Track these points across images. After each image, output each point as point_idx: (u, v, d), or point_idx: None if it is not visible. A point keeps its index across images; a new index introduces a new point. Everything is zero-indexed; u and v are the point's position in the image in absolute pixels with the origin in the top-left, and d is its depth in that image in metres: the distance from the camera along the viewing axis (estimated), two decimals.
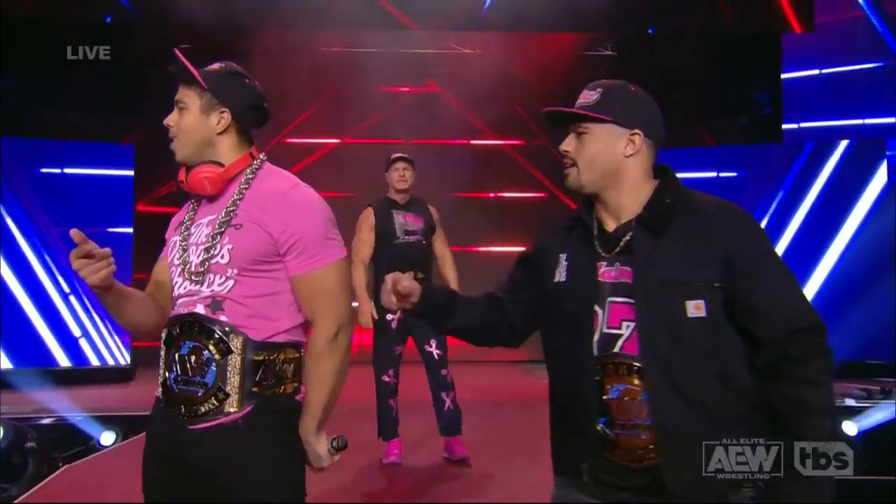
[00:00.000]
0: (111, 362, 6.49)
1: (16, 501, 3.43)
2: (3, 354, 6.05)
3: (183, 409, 1.50)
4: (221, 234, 1.54)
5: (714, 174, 7.05)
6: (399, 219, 3.77)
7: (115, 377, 6.24)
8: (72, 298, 6.32)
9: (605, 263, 1.44)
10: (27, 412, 4.61)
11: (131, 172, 6.68)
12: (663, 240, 1.39)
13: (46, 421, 4.48)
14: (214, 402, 1.49)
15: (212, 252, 1.53)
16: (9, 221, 6.18)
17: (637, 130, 1.44)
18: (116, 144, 6.96)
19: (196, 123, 1.59)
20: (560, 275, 1.48)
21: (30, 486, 3.73)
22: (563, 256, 1.49)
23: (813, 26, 6.52)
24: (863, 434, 4.25)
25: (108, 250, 1.44)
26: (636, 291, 1.39)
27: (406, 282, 1.50)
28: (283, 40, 7.03)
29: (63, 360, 6.30)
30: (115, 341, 6.51)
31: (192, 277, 1.54)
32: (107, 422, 4.47)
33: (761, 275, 1.35)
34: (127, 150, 6.85)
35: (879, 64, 6.63)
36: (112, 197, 6.53)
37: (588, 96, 1.47)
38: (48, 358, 6.20)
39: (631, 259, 1.40)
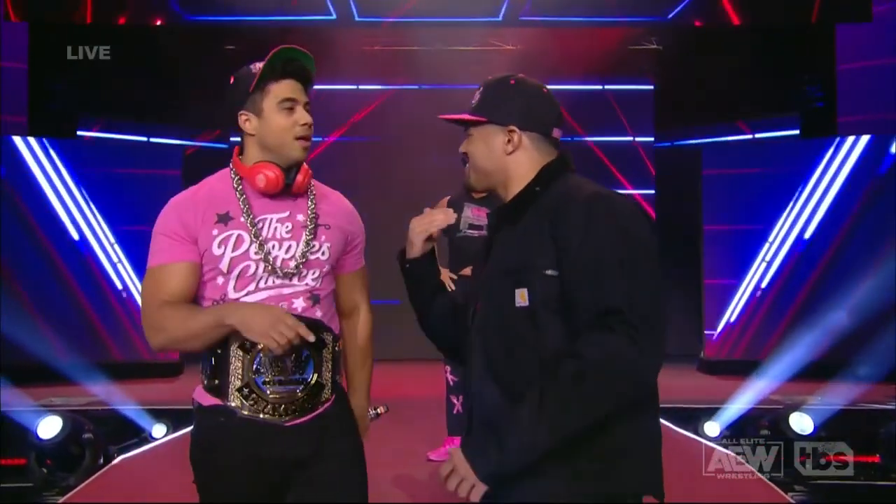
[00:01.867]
0: (161, 357, 6.63)
1: (68, 495, 3.54)
2: (61, 347, 6.25)
3: (282, 408, 1.53)
4: (316, 231, 1.61)
5: (762, 170, 6.83)
6: (467, 212, 3.57)
7: (164, 372, 6.39)
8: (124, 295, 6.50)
9: None
10: (82, 404, 4.75)
11: (178, 172, 6.82)
12: (516, 228, 1.37)
13: (101, 413, 4.61)
14: (313, 395, 1.56)
15: (311, 247, 1.59)
16: (64, 220, 6.38)
17: (512, 126, 1.40)
18: (165, 145, 7.11)
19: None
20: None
21: (86, 476, 3.84)
22: None
23: (871, 16, 6.25)
24: None
25: None
26: (480, 283, 1.42)
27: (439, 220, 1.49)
28: (324, 39, 7.08)
29: (116, 355, 6.47)
30: None
31: (286, 271, 1.55)
32: (158, 415, 4.59)
33: (580, 267, 1.26)
34: (176, 150, 7.09)
35: None
36: (162, 196, 6.67)
37: (474, 97, 1.46)
38: (103, 351, 6.38)
39: None
